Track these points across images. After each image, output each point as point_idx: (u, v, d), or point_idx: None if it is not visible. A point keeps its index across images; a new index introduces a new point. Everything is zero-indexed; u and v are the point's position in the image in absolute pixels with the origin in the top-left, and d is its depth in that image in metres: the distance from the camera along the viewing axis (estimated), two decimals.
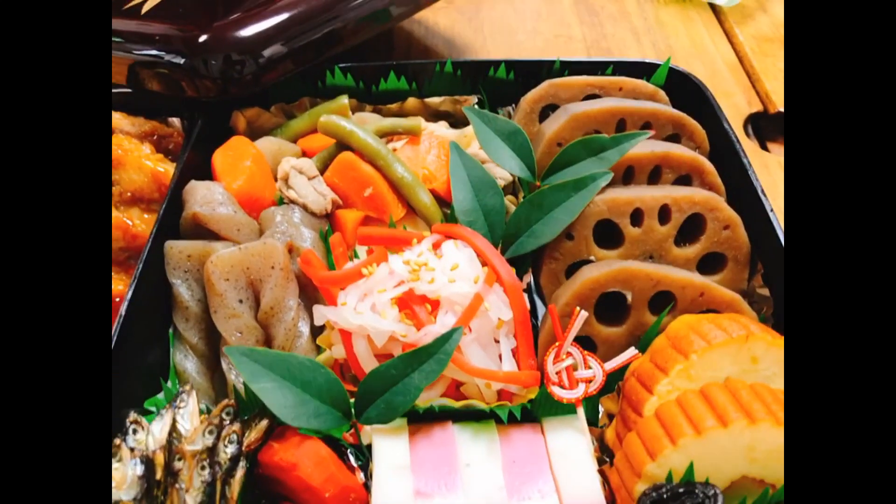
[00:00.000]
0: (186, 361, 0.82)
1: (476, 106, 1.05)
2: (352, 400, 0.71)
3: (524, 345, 0.78)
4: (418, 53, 1.39)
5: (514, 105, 1.05)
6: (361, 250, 0.89)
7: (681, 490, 0.62)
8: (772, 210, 0.83)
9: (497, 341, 0.78)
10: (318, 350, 0.82)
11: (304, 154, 1.00)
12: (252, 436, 0.69)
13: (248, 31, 0.94)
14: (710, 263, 0.85)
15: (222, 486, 0.65)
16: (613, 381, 0.76)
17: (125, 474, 0.63)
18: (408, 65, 1.05)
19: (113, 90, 1.05)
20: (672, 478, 0.63)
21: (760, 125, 1.29)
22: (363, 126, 0.94)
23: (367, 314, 0.75)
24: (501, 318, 0.77)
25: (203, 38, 0.93)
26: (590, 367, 0.73)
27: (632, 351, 0.73)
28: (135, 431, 0.67)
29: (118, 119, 1.05)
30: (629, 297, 0.78)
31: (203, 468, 0.64)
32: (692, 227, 0.84)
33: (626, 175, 0.88)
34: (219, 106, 1.01)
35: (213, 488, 0.65)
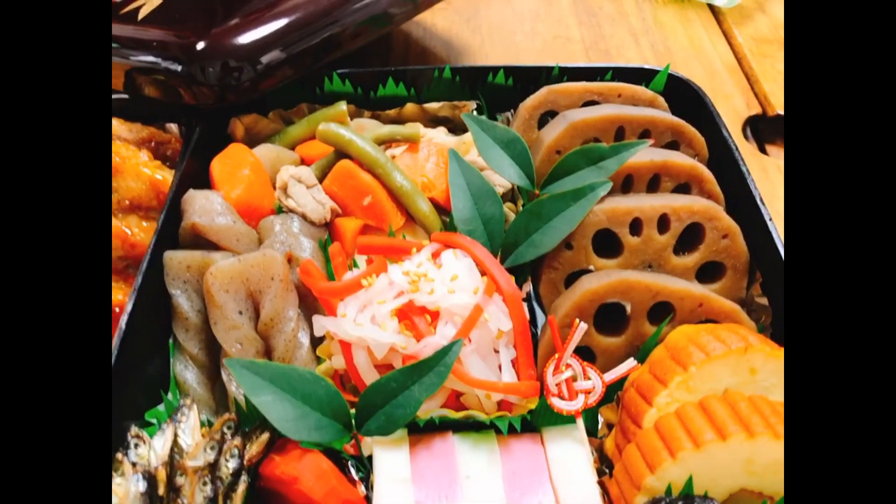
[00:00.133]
0: (186, 372, 0.82)
1: (475, 111, 1.05)
2: (352, 411, 0.71)
3: (524, 355, 0.78)
4: (416, 54, 1.39)
5: (512, 110, 1.05)
6: (361, 259, 0.89)
7: (680, 503, 0.62)
8: (770, 219, 0.83)
9: (497, 351, 0.79)
10: (319, 360, 0.82)
11: (303, 161, 1.00)
12: (253, 449, 0.69)
13: (247, 38, 0.94)
14: (708, 272, 0.85)
15: (224, 501, 0.65)
16: (613, 391, 0.77)
17: (128, 490, 0.63)
18: (406, 71, 1.05)
19: None
20: (671, 490, 0.63)
21: (759, 128, 1.29)
22: (362, 134, 0.94)
23: (366, 326, 0.76)
24: (501, 328, 0.77)
25: (201, 45, 0.92)
26: (589, 379, 0.73)
27: (631, 362, 0.73)
28: (136, 446, 0.67)
29: (116, 126, 1.04)
30: (628, 308, 0.79)
31: (205, 484, 0.64)
32: (691, 236, 0.84)
33: (626, 183, 0.88)
34: (217, 112, 1.00)
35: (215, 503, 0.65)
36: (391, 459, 0.71)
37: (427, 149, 0.96)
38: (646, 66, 1.03)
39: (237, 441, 0.68)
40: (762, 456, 0.63)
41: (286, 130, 1.02)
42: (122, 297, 0.90)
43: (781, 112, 1.27)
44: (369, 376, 0.76)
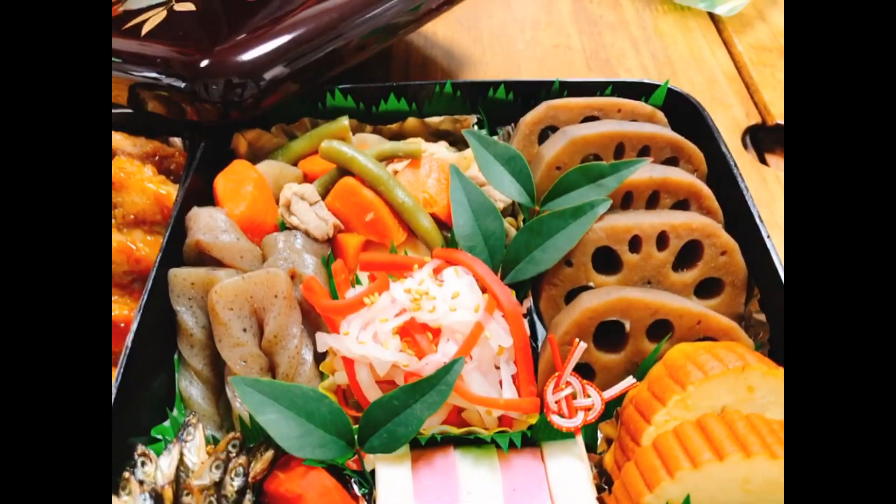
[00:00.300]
0: (191, 388, 0.83)
1: (475, 126, 1.06)
2: (355, 427, 0.73)
3: (524, 371, 0.79)
4: (417, 64, 1.39)
5: (513, 125, 1.06)
6: (363, 275, 0.90)
7: None
8: (768, 236, 0.84)
9: (497, 367, 0.80)
10: (322, 376, 0.83)
11: (306, 176, 1.00)
12: (258, 467, 0.70)
13: (250, 55, 0.94)
14: (707, 288, 0.86)
15: None
16: (612, 407, 0.78)
17: None
18: (407, 86, 1.06)
19: (113, 110, 1.06)
20: None
21: (759, 137, 1.30)
22: (364, 151, 0.95)
23: (369, 344, 0.77)
24: (502, 345, 0.78)
25: (204, 62, 0.93)
26: (588, 396, 0.74)
27: (630, 380, 0.74)
28: (143, 464, 0.68)
29: (119, 140, 1.05)
30: (627, 326, 0.80)
31: (211, 503, 0.65)
32: (690, 253, 0.85)
33: (625, 200, 0.88)
34: (220, 127, 1.01)
35: None
36: (393, 475, 0.72)
37: (429, 164, 0.97)
38: (645, 81, 1.04)
39: (242, 459, 0.69)
40: (758, 475, 0.64)
41: (289, 145, 1.03)
42: (129, 312, 0.91)
43: (781, 121, 1.28)
44: (372, 393, 0.77)
